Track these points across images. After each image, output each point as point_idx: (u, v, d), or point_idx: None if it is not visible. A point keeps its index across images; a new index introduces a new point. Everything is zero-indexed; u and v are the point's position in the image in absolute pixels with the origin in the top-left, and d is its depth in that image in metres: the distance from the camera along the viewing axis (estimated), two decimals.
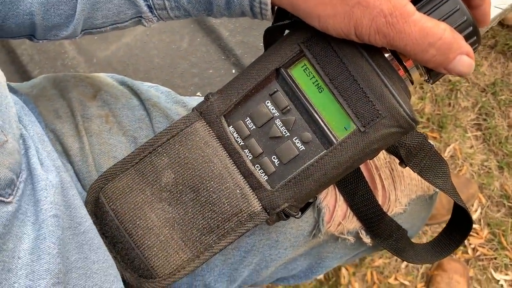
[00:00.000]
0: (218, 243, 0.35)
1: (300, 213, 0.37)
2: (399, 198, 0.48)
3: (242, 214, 0.34)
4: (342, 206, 0.47)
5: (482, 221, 1.21)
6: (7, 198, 0.28)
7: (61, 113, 0.44)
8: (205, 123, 0.36)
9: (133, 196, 0.36)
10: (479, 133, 1.27)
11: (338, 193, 0.47)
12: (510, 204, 1.20)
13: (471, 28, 0.33)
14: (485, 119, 1.27)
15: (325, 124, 0.34)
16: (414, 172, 0.40)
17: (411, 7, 0.29)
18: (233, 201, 0.35)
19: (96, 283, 0.33)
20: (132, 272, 0.36)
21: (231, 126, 0.36)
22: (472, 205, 1.20)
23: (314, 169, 0.34)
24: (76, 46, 0.67)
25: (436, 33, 0.29)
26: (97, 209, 0.37)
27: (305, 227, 0.46)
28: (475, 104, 1.29)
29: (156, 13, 0.35)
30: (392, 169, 0.49)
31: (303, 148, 0.34)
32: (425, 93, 1.29)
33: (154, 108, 0.46)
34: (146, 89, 0.48)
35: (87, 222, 0.34)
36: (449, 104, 1.29)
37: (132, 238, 0.36)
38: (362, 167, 0.48)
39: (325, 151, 0.34)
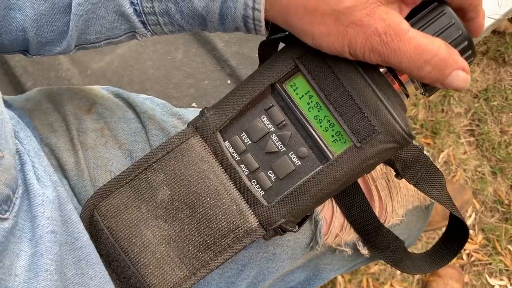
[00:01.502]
0: (215, 260, 0.35)
1: (297, 227, 0.37)
2: (396, 209, 0.48)
3: (239, 231, 0.34)
4: (339, 218, 0.47)
5: (476, 226, 1.21)
6: (3, 215, 0.28)
7: (56, 127, 0.43)
8: (201, 139, 0.36)
9: (128, 213, 0.35)
10: (472, 138, 1.28)
11: (335, 205, 0.47)
12: (503, 210, 1.21)
13: (466, 43, 0.33)
14: (478, 125, 1.28)
15: (321, 140, 0.34)
16: (410, 183, 0.40)
17: (405, 25, 0.29)
18: (229, 217, 0.34)
19: None
20: None
21: (227, 141, 0.35)
22: (467, 211, 1.21)
23: (311, 184, 0.34)
24: (70, 57, 0.67)
25: (431, 50, 0.30)
26: (91, 227, 0.36)
27: (302, 240, 0.46)
28: (468, 110, 1.30)
29: (150, 29, 0.35)
30: (388, 180, 0.49)
31: (299, 163, 0.34)
32: (418, 100, 1.30)
33: (149, 121, 0.45)
34: (142, 101, 0.48)
35: (84, 237, 0.34)
36: (442, 110, 1.30)
37: (127, 256, 0.35)
38: (359, 178, 0.48)
39: (322, 166, 0.34)
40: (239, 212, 0.34)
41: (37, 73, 0.65)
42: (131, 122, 0.46)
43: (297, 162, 0.34)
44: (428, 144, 1.27)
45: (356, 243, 0.48)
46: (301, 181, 0.34)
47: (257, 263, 0.46)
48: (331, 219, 0.46)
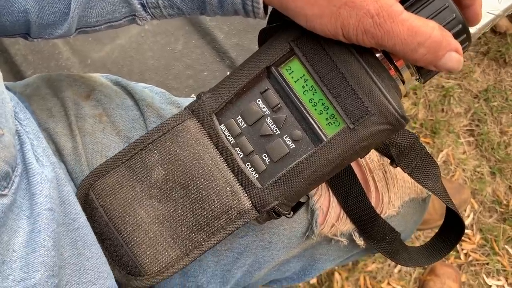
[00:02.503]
0: (208, 241, 0.35)
1: (292, 212, 0.37)
2: (392, 200, 0.48)
3: (232, 212, 0.34)
4: (335, 208, 0.47)
5: (474, 226, 1.21)
6: (2, 191, 0.28)
7: (55, 112, 0.43)
8: (197, 121, 0.36)
9: (123, 192, 0.36)
10: (471, 139, 1.28)
11: (331, 194, 0.47)
12: (502, 210, 1.21)
13: (460, 26, 0.33)
14: (477, 125, 1.28)
15: (314, 122, 0.34)
16: (405, 172, 0.40)
17: (398, 7, 0.29)
18: (223, 199, 0.35)
19: (90, 279, 0.33)
20: (120, 269, 0.36)
21: (223, 124, 0.36)
22: (465, 211, 1.21)
23: (304, 166, 0.34)
24: (70, 47, 0.67)
25: (425, 32, 0.30)
26: (86, 205, 0.36)
27: (298, 229, 0.46)
28: (468, 110, 1.30)
29: (149, 12, 0.35)
30: (385, 171, 0.49)
31: (293, 146, 0.34)
32: (418, 99, 1.30)
33: (148, 109, 0.46)
34: (141, 89, 0.48)
35: (81, 218, 0.34)
36: (442, 110, 1.30)
37: (121, 235, 0.35)
38: (355, 169, 0.48)
39: (315, 148, 0.34)
40: (233, 194, 0.35)
41: (37, 62, 0.66)
42: (129, 109, 0.46)
43: (291, 144, 0.35)
44: (428, 143, 1.27)
45: (352, 233, 0.48)
46: (295, 163, 0.34)
47: (253, 251, 0.46)
48: (327, 208, 0.46)
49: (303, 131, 0.34)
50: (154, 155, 0.35)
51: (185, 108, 0.37)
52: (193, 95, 0.64)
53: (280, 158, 0.35)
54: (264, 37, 0.38)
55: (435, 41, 0.30)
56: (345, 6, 0.29)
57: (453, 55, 0.31)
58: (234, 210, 0.34)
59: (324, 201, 0.46)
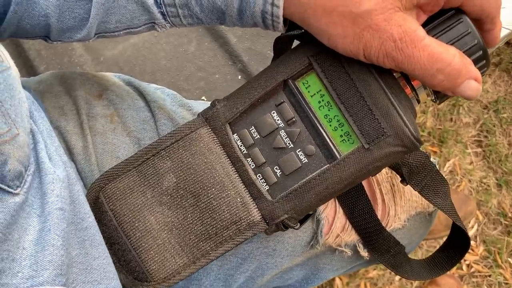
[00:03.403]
0: (216, 250, 0.35)
1: (299, 224, 0.37)
2: (399, 213, 0.48)
3: (241, 223, 0.35)
4: (341, 218, 0.47)
5: (478, 238, 1.21)
6: (15, 190, 0.29)
7: (67, 111, 0.44)
8: (210, 130, 0.36)
9: (133, 197, 0.36)
10: (479, 149, 1.27)
11: (337, 205, 0.47)
12: (506, 222, 1.21)
13: (481, 52, 0.33)
14: (486, 136, 1.28)
15: (329, 138, 0.34)
16: (415, 190, 0.40)
17: (421, 32, 0.30)
18: (233, 209, 0.35)
19: (96, 279, 0.33)
20: (128, 274, 0.36)
21: (236, 134, 0.36)
22: (469, 222, 1.20)
23: (316, 182, 0.34)
24: (84, 44, 0.67)
25: (445, 58, 0.30)
26: (96, 208, 0.37)
27: (303, 237, 0.46)
28: (477, 121, 1.29)
29: (169, 20, 0.36)
30: (393, 184, 0.49)
31: (306, 160, 0.34)
32: (427, 107, 1.30)
33: (159, 111, 0.46)
34: (153, 91, 0.48)
35: (90, 218, 0.35)
36: (451, 119, 1.29)
37: (129, 240, 0.36)
38: (363, 180, 0.48)
39: (328, 165, 0.34)
40: (243, 205, 0.35)
41: (50, 57, 0.66)
42: (140, 110, 0.46)
43: (304, 159, 0.34)
44: (435, 152, 1.27)
45: (357, 244, 0.48)
46: (307, 178, 0.34)
47: (257, 257, 0.46)
48: (333, 219, 0.47)
49: (316, 146, 0.34)
50: (166, 161, 0.35)
51: (198, 116, 0.37)
52: (203, 98, 0.65)
53: (292, 172, 0.35)
54: (280, 45, 0.38)
55: (454, 69, 0.30)
56: (369, 29, 0.29)
57: (472, 84, 0.31)
58: (244, 221, 0.35)
59: (330, 211, 0.46)
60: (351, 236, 0.47)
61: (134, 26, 0.36)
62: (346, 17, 0.30)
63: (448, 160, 1.26)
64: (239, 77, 0.65)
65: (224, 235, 0.35)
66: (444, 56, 0.30)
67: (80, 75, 0.48)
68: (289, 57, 0.35)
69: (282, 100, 0.35)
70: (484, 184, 1.24)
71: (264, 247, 0.46)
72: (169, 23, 0.36)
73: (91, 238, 0.34)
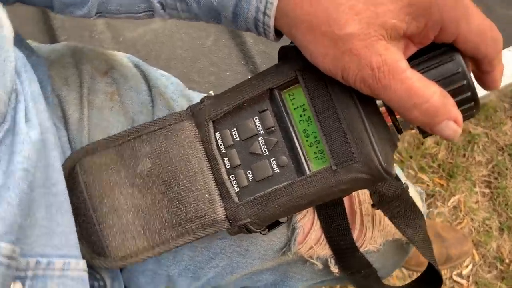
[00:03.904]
0: (176, 240, 0.36)
1: (267, 230, 0.38)
2: (375, 236, 0.49)
3: (205, 219, 0.35)
4: (317, 231, 0.47)
5: (471, 278, 1.19)
6: None
7: (70, 82, 0.45)
8: (194, 124, 0.37)
9: (107, 174, 0.37)
10: (487, 190, 1.25)
11: (316, 217, 0.47)
12: (502, 268, 1.19)
13: (469, 94, 0.32)
14: (496, 178, 1.26)
15: (302, 153, 0.34)
16: (385, 216, 0.40)
17: (403, 64, 0.29)
18: (199, 204, 0.35)
19: (56, 244, 0.34)
20: (87, 245, 0.37)
21: (218, 133, 0.36)
22: (464, 261, 1.18)
23: (281, 193, 0.34)
24: (106, 21, 0.69)
25: (423, 95, 0.29)
26: (70, 178, 0.38)
27: (276, 243, 0.47)
28: (490, 161, 1.27)
29: (167, 11, 0.37)
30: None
31: (278, 170, 0.35)
32: (441, 139, 1.28)
33: (159, 97, 0.47)
34: (157, 77, 0.49)
35: (61, 185, 0.36)
36: (464, 155, 1.28)
37: (95, 214, 0.37)
38: (345, 198, 0.48)
39: (296, 179, 0.34)
40: (210, 202, 0.35)
41: (72, 29, 0.68)
42: (141, 93, 0.47)
43: (276, 169, 0.35)
44: (442, 185, 1.26)
45: (329, 259, 0.48)
46: (274, 188, 0.35)
47: (228, 255, 0.47)
48: (309, 230, 0.47)
49: (289, 158, 0.35)
50: (145, 146, 0.37)
51: (187, 109, 0.38)
52: (211, 92, 0.66)
53: (263, 179, 0.35)
54: (283, 54, 0.39)
55: (432, 106, 0.29)
56: (349, 52, 0.29)
57: (450, 125, 0.30)
58: (208, 217, 0.35)
59: (307, 222, 0.47)
60: (324, 250, 0.48)
61: (134, 11, 0.37)
62: (328, 37, 0.30)
63: (454, 195, 1.25)
64: (249, 77, 0.66)
65: (186, 227, 0.36)
66: (422, 92, 0.29)
67: (91, 50, 0.49)
68: (278, 67, 0.35)
69: (266, 108, 0.35)
70: (486, 225, 1.22)
71: (237, 245, 0.46)
72: (168, 14, 0.37)
73: (59, 204, 0.35)
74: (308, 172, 0.34)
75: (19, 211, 0.30)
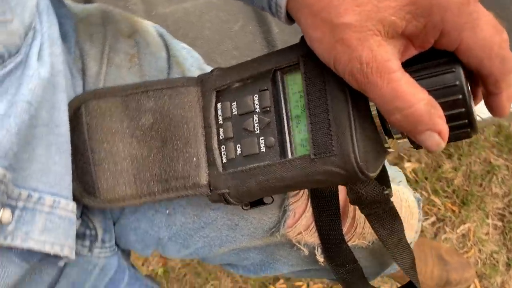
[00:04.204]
0: (161, 194, 0.38)
1: (249, 206, 0.39)
2: (365, 233, 0.49)
3: (189, 180, 0.37)
4: (308, 218, 0.48)
5: None
6: None
7: (94, 38, 0.47)
8: (199, 91, 0.38)
9: (110, 121, 0.39)
10: (499, 223, 1.23)
11: (309, 204, 0.48)
12: None
13: (462, 110, 0.30)
14: (511, 213, 1.23)
15: (289, 137, 0.35)
16: (362, 213, 0.40)
17: (394, 64, 0.29)
18: (186, 165, 0.37)
19: (50, 182, 0.36)
20: (80, 184, 0.39)
21: (220, 103, 0.38)
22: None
23: (260, 171, 0.35)
24: None
25: (408, 100, 0.28)
26: (74, 117, 0.40)
27: (266, 223, 0.48)
28: (507, 195, 1.25)
29: None
30: None
31: (264, 150, 0.36)
32: (460, 165, 1.27)
33: (176, 65, 0.49)
34: (179, 48, 0.51)
35: (64, 127, 0.37)
36: (481, 184, 1.26)
37: (92, 155, 0.39)
38: (341, 191, 0.48)
39: (276, 161, 0.35)
40: (196, 166, 0.37)
41: None
42: (160, 60, 0.49)
43: (262, 148, 0.36)
44: (453, 211, 1.24)
45: (316, 247, 0.49)
46: (255, 165, 0.36)
47: (219, 227, 0.48)
48: (300, 215, 0.48)
49: (277, 140, 0.35)
50: (150, 101, 0.38)
51: (197, 76, 0.39)
52: None
53: (248, 155, 0.36)
54: (302, 42, 0.39)
55: (415, 114, 0.28)
56: (341, 42, 0.29)
57: (434, 136, 0.29)
58: (191, 179, 0.37)
59: (299, 207, 0.48)
60: (313, 238, 0.48)
61: None
62: (326, 23, 0.30)
63: (464, 223, 1.23)
64: (258, 56, 0.67)
65: (171, 184, 0.37)
66: (407, 96, 0.28)
67: (120, 14, 0.51)
68: (285, 50, 0.36)
69: (266, 88, 0.36)
70: (494, 259, 1.20)
71: (228, 218, 0.47)
72: None
73: (59, 145, 0.37)
74: (290, 157, 0.34)
75: (16, 140, 0.32)
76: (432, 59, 0.31)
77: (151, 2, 0.71)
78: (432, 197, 1.24)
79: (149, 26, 0.53)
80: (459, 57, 0.30)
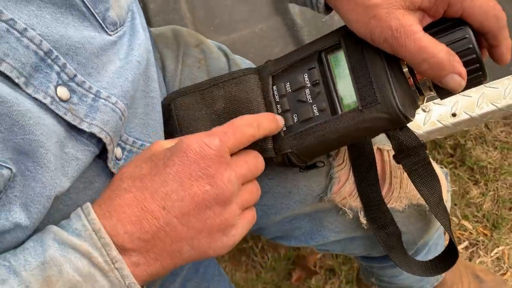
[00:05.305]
0: None
1: (305, 166, 0.48)
2: (401, 197, 0.56)
3: (256, 147, 0.44)
4: (351, 184, 0.56)
5: None
6: (109, 31, 0.41)
7: (170, 45, 0.59)
8: (258, 77, 0.49)
9: (193, 111, 0.50)
10: None
11: (351, 173, 0.56)
12: None
13: (473, 56, 0.40)
14: None
15: (338, 101, 0.44)
16: (404, 170, 0.47)
17: (416, 27, 0.38)
18: None
19: (149, 133, 0.46)
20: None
21: (275, 86, 0.48)
22: None
23: (317, 128, 0.44)
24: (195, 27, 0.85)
25: (431, 51, 0.37)
26: (167, 111, 0.51)
27: (315, 189, 0.56)
28: None
29: None
30: (403, 172, 0.57)
31: (317, 114, 0.45)
32: (488, 191, 1.31)
33: (235, 66, 0.60)
34: (234, 57, 0.63)
35: (156, 92, 0.48)
36: (510, 208, 1.29)
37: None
38: (378, 161, 0.56)
39: (330, 117, 0.44)
40: None
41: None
42: (221, 63, 0.60)
43: (316, 112, 0.45)
44: (485, 235, 1.27)
45: (359, 211, 0.56)
46: (312, 124, 0.45)
47: (275, 195, 0.56)
48: (344, 182, 0.56)
49: (327, 104, 0.45)
50: (220, 91, 0.49)
51: (254, 67, 0.50)
52: None
53: (304, 120, 0.46)
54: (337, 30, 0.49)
55: (438, 61, 0.38)
56: (374, 18, 0.39)
57: (455, 77, 0.39)
58: (259, 146, 0.45)
59: (343, 174, 0.56)
60: (356, 203, 0.56)
61: None
62: (360, 6, 0.40)
63: (498, 247, 1.25)
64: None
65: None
66: (431, 49, 0.37)
67: (187, 31, 0.64)
68: (326, 35, 0.46)
69: (313, 66, 0.46)
70: None
71: (282, 187, 0.56)
72: None
73: (153, 106, 0.47)
74: (340, 113, 0.44)
75: (132, 86, 0.42)
76: (444, 24, 0.42)
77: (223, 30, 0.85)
78: (463, 221, 1.28)
79: (210, 42, 0.65)
80: (467, 21, 0.40)
